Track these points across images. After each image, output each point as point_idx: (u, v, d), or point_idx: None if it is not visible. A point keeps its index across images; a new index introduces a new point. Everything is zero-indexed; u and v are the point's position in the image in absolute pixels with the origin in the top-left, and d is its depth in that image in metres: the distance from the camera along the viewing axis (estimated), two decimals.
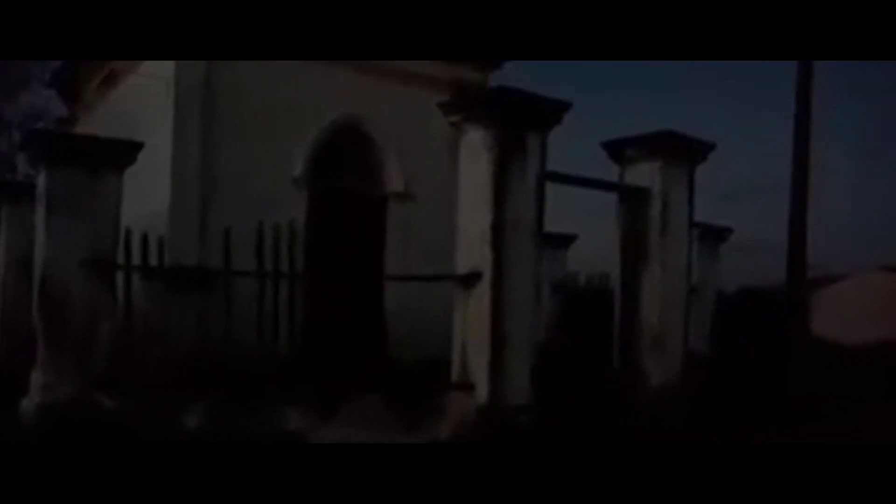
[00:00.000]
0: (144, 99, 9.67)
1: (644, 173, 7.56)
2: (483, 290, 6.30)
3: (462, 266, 6.51)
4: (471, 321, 6.40)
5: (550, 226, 6.96)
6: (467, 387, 6.28)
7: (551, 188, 6.72)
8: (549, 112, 6.49)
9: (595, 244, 13.10)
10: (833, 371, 11.01)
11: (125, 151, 6.11)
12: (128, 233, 6.22)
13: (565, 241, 12.19)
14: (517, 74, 9.97)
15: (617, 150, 7.68)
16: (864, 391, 9.62)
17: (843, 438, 6.35)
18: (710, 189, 7.66)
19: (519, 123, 6.38)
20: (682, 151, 7.61)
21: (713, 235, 10.61)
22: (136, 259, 6.28)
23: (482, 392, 6.22)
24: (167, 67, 9.18)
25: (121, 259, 6.14)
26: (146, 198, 8.01)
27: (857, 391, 9.60)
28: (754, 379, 9.26)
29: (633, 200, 7.55)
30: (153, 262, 6.64)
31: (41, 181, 6.01)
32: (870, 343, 16.45)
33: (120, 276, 6.25)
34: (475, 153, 6.44)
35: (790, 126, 10.11)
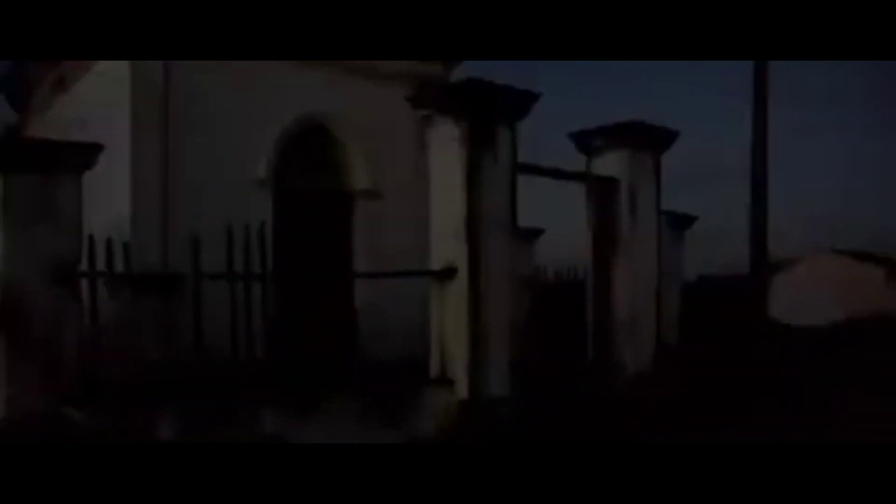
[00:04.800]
0: (99, 100, 9.38)
1: (612, 163, 7.62)
2: (459, 285, 6.27)
3: (436, 261, 6.47)
4: (448, 316, 6.36)
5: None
6: (447, 382, 6.26)
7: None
8: (518, 103, 6.48)
9: (559, 237, 13.20)
10: (792, 354, 11.32)
11: (84, 154, 5.87)
12: (91, 239, 6.00)
13: (532, 235, 12.22)
14: (478, 68, 9.99)
15: (584, 140, 7.72)
16: (825, 374, 9.91)
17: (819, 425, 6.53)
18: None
19: (489, 116, 6.36)
20: (648, 140, 7.69)
21: (678, 223, 10.75)
22: (101, 266, 6.06)
23: (462, 387, 6.20)
24: (122, 66, 8.90)
25: (85, 266, 5.92)
26: (106, 202, 7.77)
27: (818, 374, 9.88)
28: (720, 365, 9.44)
29: (601, 190, 7.60)
30: (119, 268, 6.43)
31: None
32: (824, 325, 16.98)
33: (85, 284, 6.03)
34: (446, 147, 6.40)
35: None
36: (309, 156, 10.10)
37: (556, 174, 7.39)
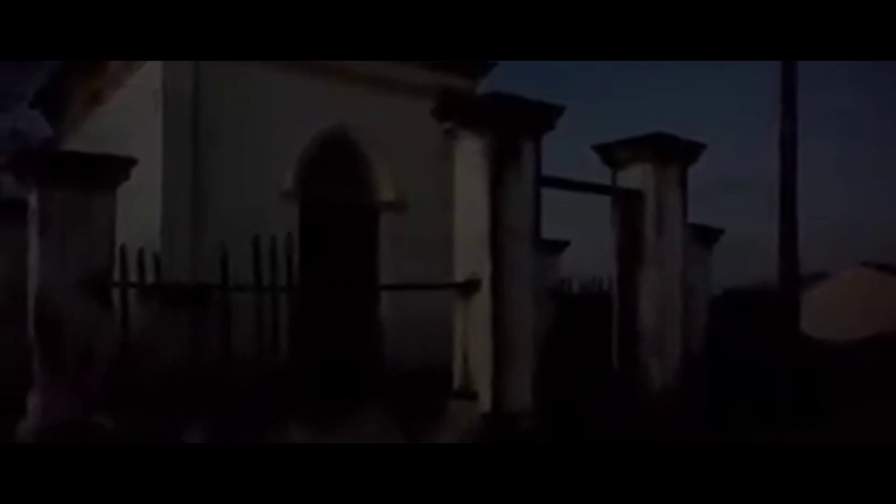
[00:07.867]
0: (132, 114, 9.59)
1: (636, 176, 7.60)
2: (482, 298, 6.28)
3: (460, 274, 6.49)
4: (471, 329, 6.37)
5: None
6: (470, 395, 6.26)
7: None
8: (543, 117, 6.49)
9: (586, 249, 13.15)
10: (823, 369, 11.10)
11: (119, 167, 6.05)
12: (123, 250, 6.14)
13: (557, 247, 12.21)
14: (505, 81, 10.02)
15: (609, 153, 7.71)
16: (855, 389, 9.72)
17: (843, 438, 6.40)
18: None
19: (513, 129, 6.38)
20: (673, 153, 7.66)
21: (704, 237, 10.64)
22: (132, 276, 6.20)
23: (485, 400, 6.19)
24: (154, 80, 9.12)
25: (117, 277, 6.06)
26: (137, 214, 7.93)
27: (848, 390, 9.70)
28: (751, 379, 9.30)
29: (627, 203, 7.58)
30: (150, 279, 6.57)
31: (33, 201, 5.92)
32: (855, 340, 16.65)
33: (116, 295, 6.17)
34: (470, 160, 6.43)
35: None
36: (334, 168, 10.21)
37: (581, 187, 7.38)
